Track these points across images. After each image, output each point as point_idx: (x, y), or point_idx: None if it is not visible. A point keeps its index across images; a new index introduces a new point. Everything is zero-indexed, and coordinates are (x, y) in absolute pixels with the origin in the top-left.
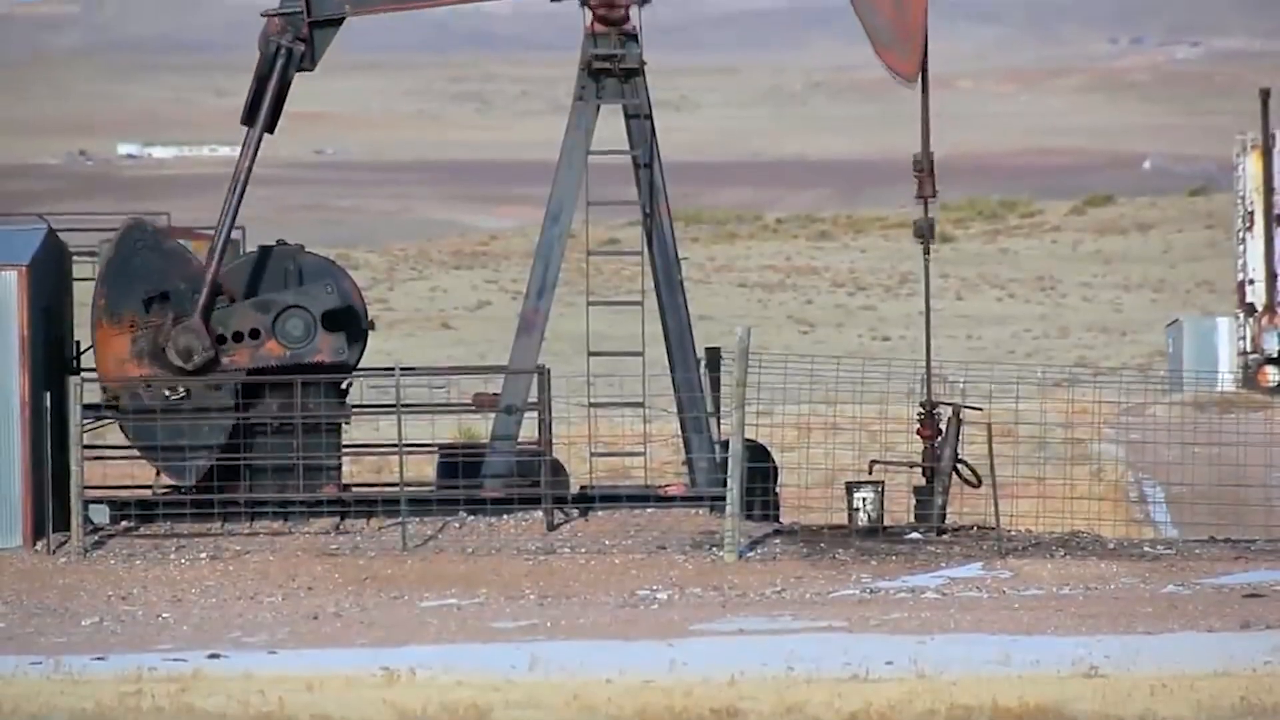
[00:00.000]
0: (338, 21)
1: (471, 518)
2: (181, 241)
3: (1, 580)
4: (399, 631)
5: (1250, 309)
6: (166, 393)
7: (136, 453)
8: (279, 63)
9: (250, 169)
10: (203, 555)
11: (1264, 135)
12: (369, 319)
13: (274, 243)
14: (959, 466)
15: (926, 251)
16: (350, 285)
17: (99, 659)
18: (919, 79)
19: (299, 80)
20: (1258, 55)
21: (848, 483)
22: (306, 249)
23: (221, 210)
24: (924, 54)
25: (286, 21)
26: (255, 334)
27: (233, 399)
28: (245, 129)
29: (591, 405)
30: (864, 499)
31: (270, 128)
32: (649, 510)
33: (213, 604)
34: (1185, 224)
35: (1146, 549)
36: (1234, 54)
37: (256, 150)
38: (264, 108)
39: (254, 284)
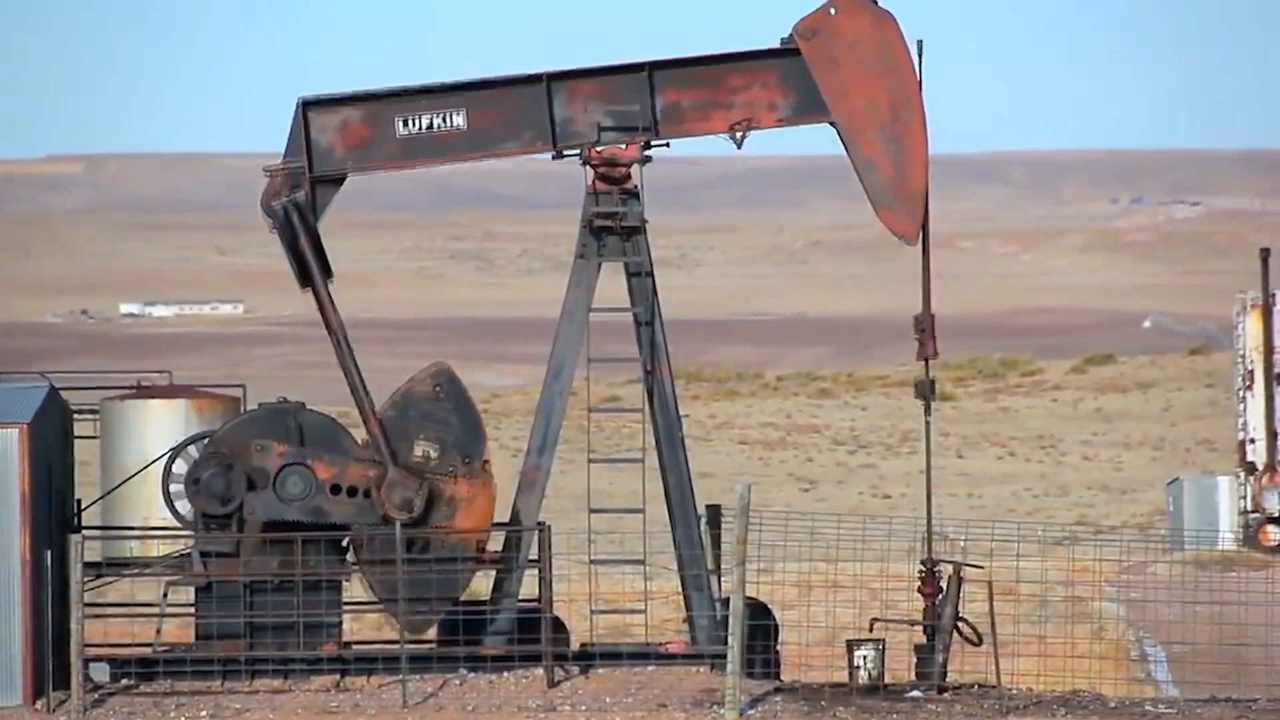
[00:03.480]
0: (339, 180)
1: (472, 675)
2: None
3: None
4: None
5: (1251, 468)
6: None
7: (137, 610)
8: (294, 218)
9: (341, 320)
10: (203, 713)
11: (1264, 294)
12: None
13: (276, 399)
14: (960, 624)
15: (928, 411)
16: (351, 444)
17: None
18: (920, 239)
19: None
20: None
21: (848, 640)
22: (308, 406)
23: (344, 371)
24: (925, 214)
25: (288, 177)
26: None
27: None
28: (309, 290)
29: (592, 562)
30: (865, 657)
31: (328, 274)
32: (650, 668)
33: None
34: (1185, 383)
35: (1148, 708)
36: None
37: (331, 299)
38: (311, 265)
39: (255, 440)
